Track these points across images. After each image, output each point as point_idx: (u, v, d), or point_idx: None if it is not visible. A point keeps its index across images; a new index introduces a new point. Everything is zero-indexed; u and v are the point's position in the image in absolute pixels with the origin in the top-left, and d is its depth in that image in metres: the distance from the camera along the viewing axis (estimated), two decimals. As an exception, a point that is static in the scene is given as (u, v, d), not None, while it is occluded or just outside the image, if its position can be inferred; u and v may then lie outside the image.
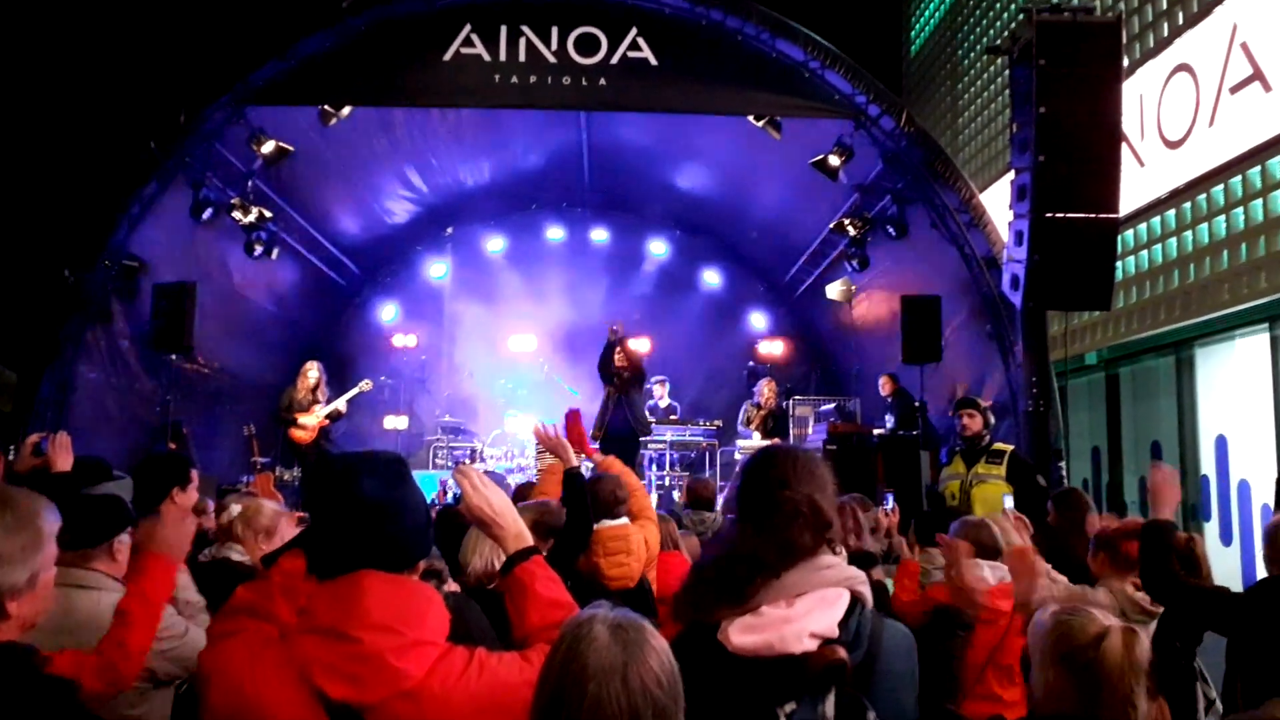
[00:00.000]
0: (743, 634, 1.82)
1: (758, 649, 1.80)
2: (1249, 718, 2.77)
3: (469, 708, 1.71)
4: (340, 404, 10.72)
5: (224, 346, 11.14)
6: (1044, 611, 2.38)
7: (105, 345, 8.96)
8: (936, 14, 16.79)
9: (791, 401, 11.84)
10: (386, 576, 1.76)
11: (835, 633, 1.82)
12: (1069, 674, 2.17)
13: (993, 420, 6.64)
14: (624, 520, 4.12)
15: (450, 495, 9.45)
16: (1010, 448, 6.67)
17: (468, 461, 10.16)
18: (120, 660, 2.65)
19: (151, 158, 8.43)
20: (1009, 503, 4.37)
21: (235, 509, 3.73)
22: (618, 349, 10.37)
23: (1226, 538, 9.00)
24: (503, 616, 2.72)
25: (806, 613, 1.82)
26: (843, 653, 1.80)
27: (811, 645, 1.80)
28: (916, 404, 9.55)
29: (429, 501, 1.97)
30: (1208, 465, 9.42)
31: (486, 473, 2.99)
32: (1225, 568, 8.41)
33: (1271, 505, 8.09)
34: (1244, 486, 8.85)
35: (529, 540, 2.02)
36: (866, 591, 1.92)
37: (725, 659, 1.80)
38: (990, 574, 3.85)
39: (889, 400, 10.92)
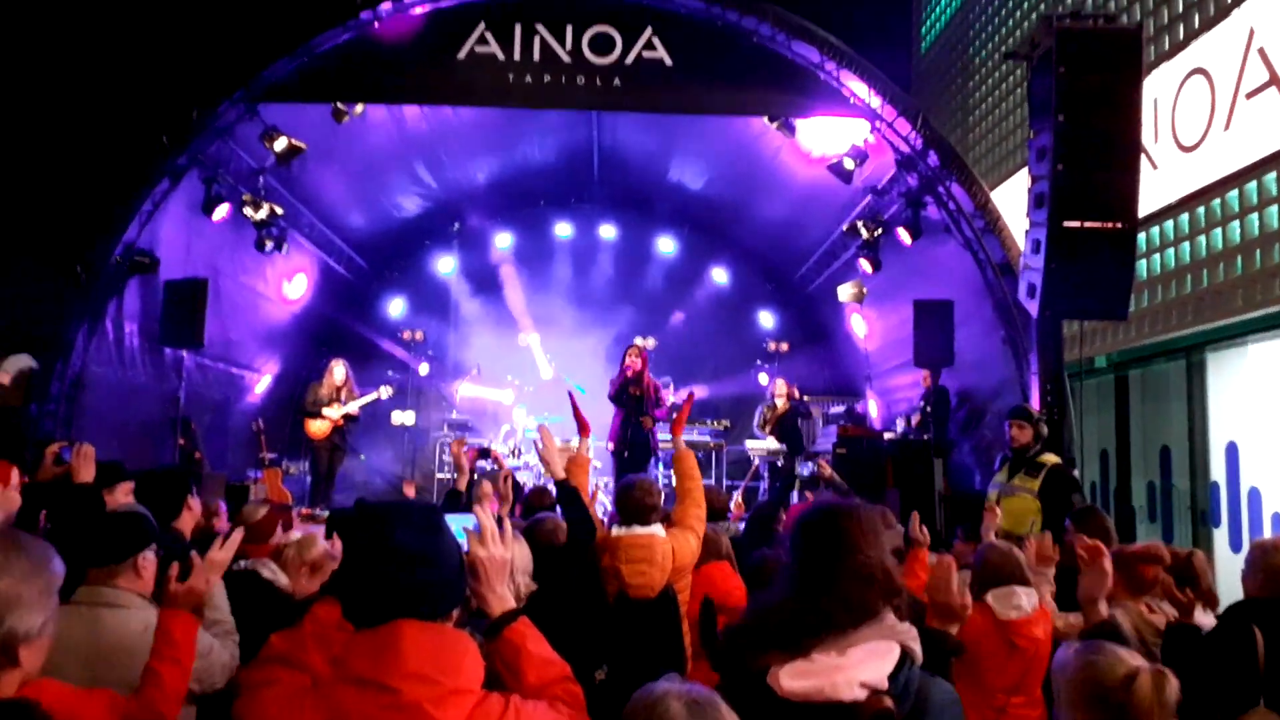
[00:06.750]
0: (794, 679, 1.83)
1: (808, 694, 1.81)
2: None
3: None
4: (353, 408, 10.75)
5: (232, 342, 11.15)
6: (1068, 649, 2.38)
7: (115, 341, 8.95)
8: (948, 11, 16.69)
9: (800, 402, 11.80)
10: (423, 625, 1.77)
11: (885, 684, 1.82)
12: (1098, 713, 2.16)
13: (1045, 431, 6.50)
14: (654, 529, 4.05)
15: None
16: (1055, 460, 6.49)
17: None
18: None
19: (164, 154, 8.40)
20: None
21: (295, 535, 3.84)
22: (633, 384, 9.90)
23: (1236, 544, 8.98)
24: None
25: (859, 662, 1.83)
26: (890, 703, 1.80)
27: (861, 695, 1.81)
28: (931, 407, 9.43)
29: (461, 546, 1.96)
30: (1218, 472, 9.37)
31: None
32: (1234, 573, 8.36)
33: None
34: (1254, 494, 8.81)
35: (511, 604, 2.04)
36: (917, 647, 1.92)
37: (774, 703, 1.81)
38: (1026, 601, 3.80)
39: (925, 390, 10.38)
